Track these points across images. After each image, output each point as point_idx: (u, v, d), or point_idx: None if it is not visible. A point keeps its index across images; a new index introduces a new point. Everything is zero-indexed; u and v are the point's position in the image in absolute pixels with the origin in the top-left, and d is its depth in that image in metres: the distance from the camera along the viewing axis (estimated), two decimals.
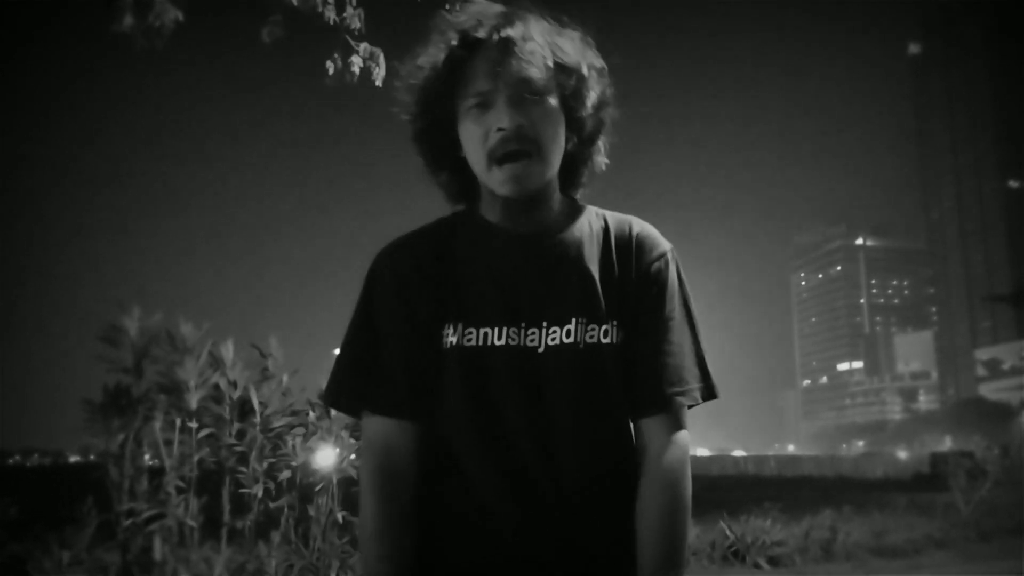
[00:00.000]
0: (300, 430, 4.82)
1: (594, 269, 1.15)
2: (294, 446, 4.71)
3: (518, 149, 1.09)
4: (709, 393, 1.18)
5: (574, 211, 1.21)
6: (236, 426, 4.72)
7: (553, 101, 1.12)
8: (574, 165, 1.21)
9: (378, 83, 2.93)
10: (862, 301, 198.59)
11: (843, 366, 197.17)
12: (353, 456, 4.69)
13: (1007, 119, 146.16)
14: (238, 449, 4.65)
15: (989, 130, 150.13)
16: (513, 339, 1.11)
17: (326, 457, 4.71)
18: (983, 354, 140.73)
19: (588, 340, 1.12)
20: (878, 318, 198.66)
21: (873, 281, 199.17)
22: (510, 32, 1.10)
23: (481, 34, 1.10)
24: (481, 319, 1.12)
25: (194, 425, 4.59)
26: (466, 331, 1.12)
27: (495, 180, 1.12)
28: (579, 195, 1.27)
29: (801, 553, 7.72)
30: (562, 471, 1.10)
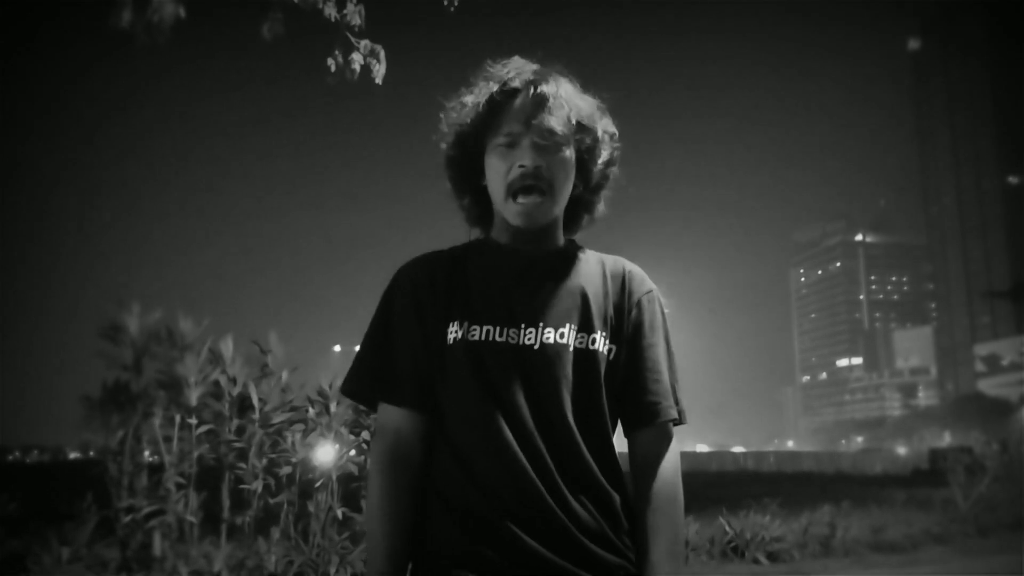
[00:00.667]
0: (299, 426, 4.83)
1: (589, 291, 1.31)
2: (293, 442, 4.72)
3: (534, 185, 1.28)
4: (682, 416, 1.35)
5: (573, 247, 1.40)
6: (235, 422, 4.73)
7: (569, 152, 1.32)
8: (577, 210, 1.40)
9: (378, 80, 2.94)
10: (861, 297, 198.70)
11: (842, 362, 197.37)
12: (353, 452, 4.70)
13: (1007, 115, 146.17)
14: (237, 445, 4.66)
15: (989, 126, 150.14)
16: (512, 338, 1.25)
17: (325, 453, 4.72)
18: (982, 350, 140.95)
19: (578, 344, 1.27)
20: (877, 314, 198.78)
21: (872, 277, 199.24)
22: (544, 88, 1.30)
23: (518, 85, 1.30)
24: (484, 318, 1.26)
25: (193, 421, 4.60)
26: (470, 328, 1.26)
27: (510, 211, 1.30)
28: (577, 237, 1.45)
29: (800, 549, 7.74)
30: (555, 455, 1.21)
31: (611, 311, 1.32)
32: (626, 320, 1.32)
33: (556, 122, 1.28)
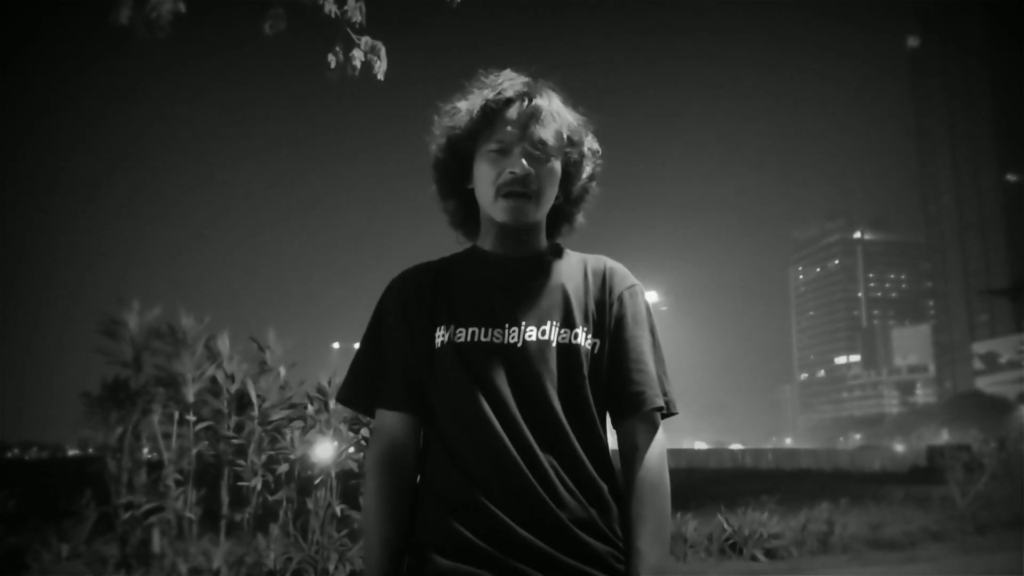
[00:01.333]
0: (298, 423, 4.82)
1: (570, 288, 1.36)
2: (292, 439, 4.71)
3: (523, 191, 1.33)
4: (671, 406, 1.37)
5: (556, 248, 1.45)
6: (234, 419, 4.72)
7: (557, 164, 1.38)
8: (557, 220, 1.46)
9: (380, 77, 2.93)
10: (860, 295, 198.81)
11: (841, 360, 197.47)
12: (352, 449, 4.70)
13: (1005, 113, 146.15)
14: (236, 442, 4.65)
15: (987, 124, 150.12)
16: (497, 337, 1.30)
17: (324, 450, 4.72)
18: (980, 348, 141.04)
19: (561, 340, 1.31)
20: (876, 312, 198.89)
21: (871, 275, 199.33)
22: (538, 101, 1.36)
23: (512, 95, 1.36)
24: (469, 321, 1.32)
25: (192, 418, 4.59)
26: (456, 331, 1.31)
27: (497, 208, 1.35)
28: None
29: (798, 546, 7.75)
30: (543, 447, 1.25)
31: (593, 307, 1.36)
32: (608, 315, 1.36)
33: (548, 134, 1.34)
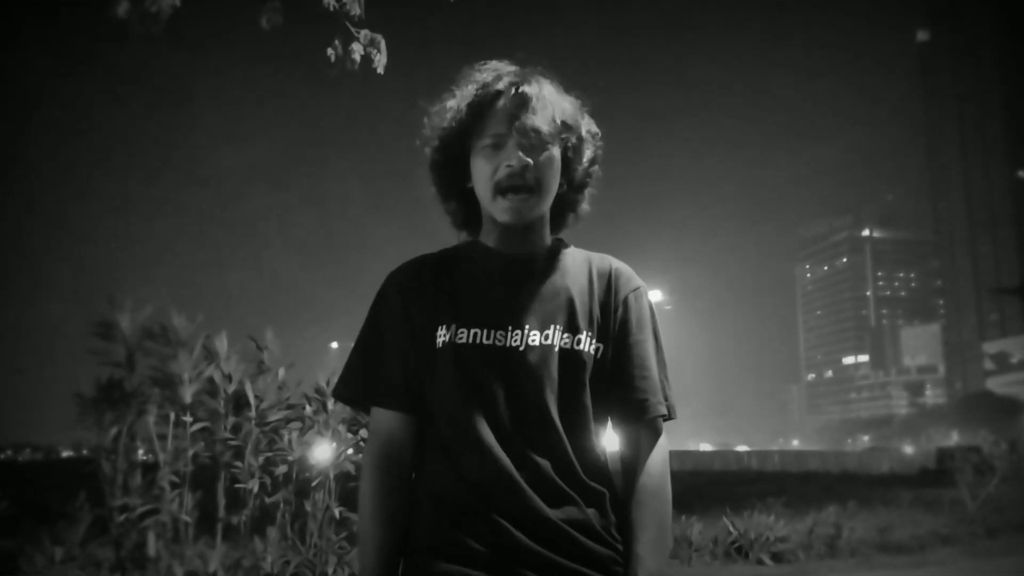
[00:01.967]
0: (296, 424, 4.82)
1: (575, 291, 1.35)
2: (290, 441, 4.71)
3: (522, 184, 1.32)
4: (672, 412, 1.38)
5: (560, 246, 1.44)
6: (231, 420, 4.72)
7: (555, 151, 1.36)
8: (562, 209, 1.44)
9: (379, 71, 2.92)
10: (868, 293, 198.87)
11: (848, 360, 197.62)
12: (351, 451, 4.70)
13: (1016, 108, 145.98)
14: (233, 444, 4.66)
15: (998, 120, 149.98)
16: (499, 340, 1.30)
17: (323, 452, 4.72)
18: (991, 347, 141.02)
19: (564, 345, 1.31)
20: (884, 311, 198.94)
21: (879, 273, 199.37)
22: (527, 89, 1.34)
23: (501, 87, 1.34)
24: (471, 321, 1.31)
25: (188, 419, 4.59)
26: (458, 331, 1.30)
27: (498, 208, 1.34)
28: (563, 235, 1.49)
29: (805, 549, 7.76)
30: (541, 454, 1.26)
31: (597, 310, 1.36)
32: (612, 319, 1.36)
33: (541, 121, 1.33)
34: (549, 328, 1.31)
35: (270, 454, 4.71)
